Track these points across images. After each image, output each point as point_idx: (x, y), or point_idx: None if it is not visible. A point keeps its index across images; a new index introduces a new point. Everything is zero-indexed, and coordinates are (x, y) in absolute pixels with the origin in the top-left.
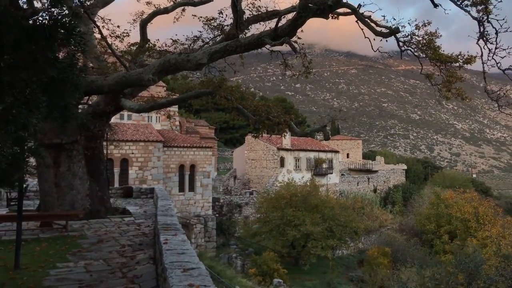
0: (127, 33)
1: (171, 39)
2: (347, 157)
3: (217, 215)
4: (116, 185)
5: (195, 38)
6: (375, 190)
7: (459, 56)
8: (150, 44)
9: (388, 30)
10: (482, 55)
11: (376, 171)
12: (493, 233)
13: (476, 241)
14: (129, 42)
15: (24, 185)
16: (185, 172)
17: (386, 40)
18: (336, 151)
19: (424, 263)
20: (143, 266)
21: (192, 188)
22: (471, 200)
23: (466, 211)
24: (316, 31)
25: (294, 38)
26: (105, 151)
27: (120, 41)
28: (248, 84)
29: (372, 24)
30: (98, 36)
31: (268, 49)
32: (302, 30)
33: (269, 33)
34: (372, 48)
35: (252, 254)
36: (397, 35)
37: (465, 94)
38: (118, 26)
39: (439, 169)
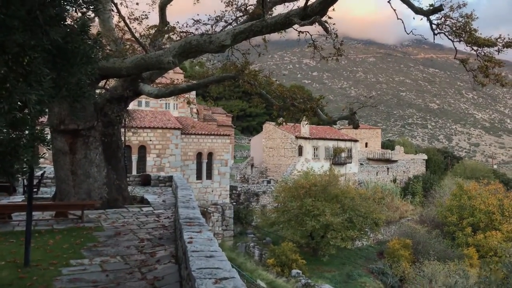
0: (145, 15)
1: (192, 19)
2: (366, 146)
3: (234, 203)
4: (134, 172)
5: (218, 18)
6: (394, 180)
7: (498, 40)
8: (170, 27)
9: (429, 7)
10: None
11: (395, 161)
12: None
13: (501, 234)
14: (147, 25)
15: (41, 172)
16: (203, 160)
17: (423, 18)
18: (355, 140)
19: (446, 256)
20: (164, 266)
21: (209, 176)
22: (495, 192)
23: (490, 203)
24: (335, 19)
25: (325, 18)
26: (123, 138)
27: (138, 23)
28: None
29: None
30: (116, 19)
31: (296, 30)
32: (333, 9)
33: (298, 12)
34: (405, 30)
35: (270, 244)
36: (430, 17)
37: (505, 80)
38: (137, 3)
39: (459, 160)
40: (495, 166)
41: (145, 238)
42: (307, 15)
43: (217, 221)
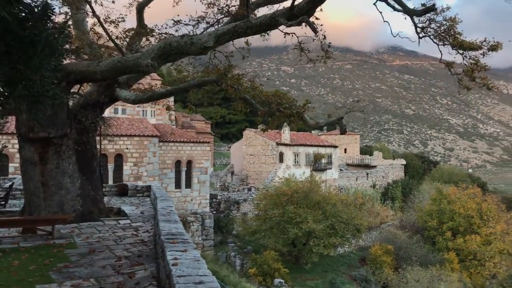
0: (122, 18)
1: (172, 19)
2: (345, 152)
3: (214, 212)
4: (110, 182)
5: (199, 19)
6: (373, 186)
7: (483, 43)
8: (148, 29)
9: (422, 7)
10: None
11: (374, 166)
12: (497, 230)
13: (480, 238)
14: (124, 28)
15: (9, 183)
16: (182, 168)
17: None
18: (335, 146)
19: (428, 261)
20: None
21: (189, 184)
22: (474, 196)
23: (469, 207)
24: (303, 30)
25: (311, 19)
26: (98, 146)
27: (115, 26)
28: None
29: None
30: (91, 22)
31: (282, 31)
32: (321, 9)
33: (284, 12)
34: (392, 33)
35: (252, 252)
36: (415, 20)
37: (491, 84)
38: (113, 1)
39: (435, 164)
40: (470, 170)
41: (122, 255)
42: (294, 16)
43: (196, 230)
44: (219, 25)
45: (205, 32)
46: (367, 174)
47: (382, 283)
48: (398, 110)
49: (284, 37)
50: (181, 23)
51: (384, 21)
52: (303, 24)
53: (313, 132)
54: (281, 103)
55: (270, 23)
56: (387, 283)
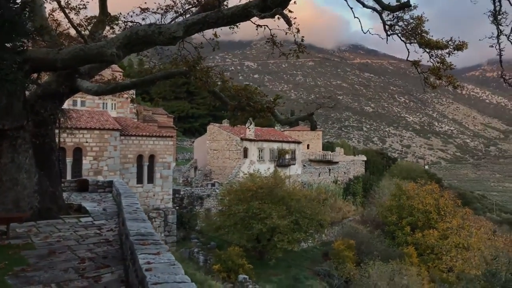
0: (84, 4)
1: (139, 7)
2: (307, 148)
3: (177, 207)
4: (69, 177)
5: (168, 8)
6: (335, 181)
7: (449, 42)
8: (113, 16)
9: (397, 3)
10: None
11: (336, 162)
12: (453, 225)
13: (437, 232)
14: (86, 16)
15: None
16: (144, 162)
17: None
18: (299, 142)
19: (388, 256)
20: None
21: (151, 179)
22: (432, 191)
23: (427, 203)
24: (276, 22)
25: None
26: (57, 140)
27: (75, 13)
28: (217, 69)
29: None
30: (49, 8)
31: (254, 23)
32: (295, 2)
33: (257, 3)
34: (362, 30)
35: (215, 248)
36: (384, 17)
37: (457, 82)
38: None
39: (394, 161)
40: (426, 167)
41: (86, 257)
42: (267, 7)
43: (159, 226)
44: (188, 15)
45: (174, 22)
46: (329, 170)
47: (344, 277)
48: (358, 107)
49: (256, 29)
50: (148, 11)
51: (355, 17)
52: (276, 16)
53: (276, 127)
54: (251, 97)
55: (242, 14)
56: (349, 278)
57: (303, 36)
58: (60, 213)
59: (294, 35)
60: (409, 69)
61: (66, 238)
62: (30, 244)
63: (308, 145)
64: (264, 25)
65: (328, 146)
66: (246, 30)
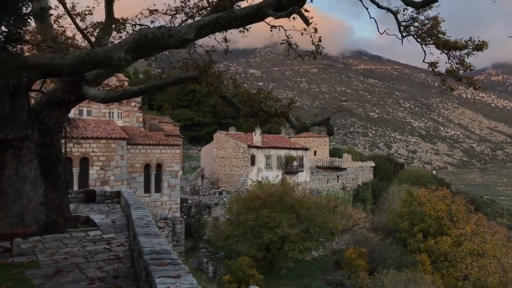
0: (90, 10)
1: (148, 9)
2: (315, 154)
3: (185, 217)
4: (76, 187)
5: (177, 9)
6: (344, 188)
7: (469, 42)
8: (120, 19)
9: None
10: None
11: (345, 169)
12: (467, 231)
13: (450, 239)
14: (92, 22)
15: None
16: (151, 171)
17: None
18: (306, 149)
19: (400, 264)
20: None
21: (158, 189)
22: (443, 197)
23: (439, 209)
24: (291, 23)
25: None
26: (63, 149)
27: (81, 19)
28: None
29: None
30: (55, 14)
31: (269, 24)
32: (312, 0)
33: (272, 2)
34: (378, 30)
35: (224, 258)
36: (399, 18)
37: (478, 84)
38: None
39: (402, 166)
40: (434, 172)
41: (95, 277)
42: (283, 6)
43: (167, 236)
44: (199, 17)
45: (184, 24)
46: (338, 176)
47: (357, 287)
48: (363, 113)
49: (271, 30)
50: (157, 12)
51: (371, 17)
52: (292, 17)
53: (282, 134)
54: (264, 102)
55: (256, 14)
56: (362, 287)
57: (320, 37)
58: (67, 226)
59: (311, 36)
60: (413, 74)
61: (73, 255)
62: (35, 262)
63: (315, 152)
64: (279, 26)
65: (334, 153)
66: (250, 38)
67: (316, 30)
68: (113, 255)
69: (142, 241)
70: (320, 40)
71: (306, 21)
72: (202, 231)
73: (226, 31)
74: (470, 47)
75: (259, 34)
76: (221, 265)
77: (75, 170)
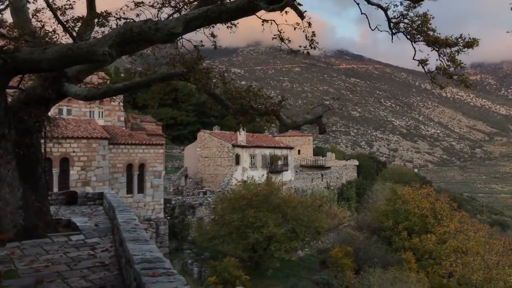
0: (70, 4)
1: (133, 1)
2: (298, 153)
3: (168, 217)
4: (56, 189)
5: (164, 2)
6: (328, 187)
7: (459, 39)
8: (104, 13)
9: None
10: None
11: (329, 167)
12: (451, 229)
13: (435, 237)
14: (72, 16)
15: None
16: (134, 172)
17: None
18: (291, 148)
19: (386, 262)
20: None
21: (141, 189)
22: (427, 195)
23: (423, 207)
24: (262, 29)
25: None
26: (43, 149)
27: (61, 14)
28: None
29: None
30: (32, 8)
31: (260, 18)
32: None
33: None
34: (370, 27)
35: (210, 259)
36: (389, 15)
37: (469, 81)
38: None
39: (384, 165)
40: (415, 170)
41: (80, 287)
42: None
43: (151, 238)
44: (186, 11)
45: (172, 17)
46: (322, 175)
47: (344, 286)
48: (345, 112)
49: (262, 24)
50: (143, 4)
51: (362, 13)
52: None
53: (266, 133)
54: (255, 100)
55: (247, 7)
56: (349, 287)
57: (313, 32)
58: (48, 231)
59: (304, 30)
60: (394, 74)
61: (55, 262)
62: (13, 271)
63: (299, 151)
64: (271, 20)
65: (317, 151)
66: (232, 36)
67: (309, 24)
68: (98, 262)
69: (131, 248)
70: (314, 35)
71: (301, 14)
72: (186, 232)
73: (214, 26)
74: (461, 44)
75: (241, 33)
76: (206, 266)
77: (55, 171)
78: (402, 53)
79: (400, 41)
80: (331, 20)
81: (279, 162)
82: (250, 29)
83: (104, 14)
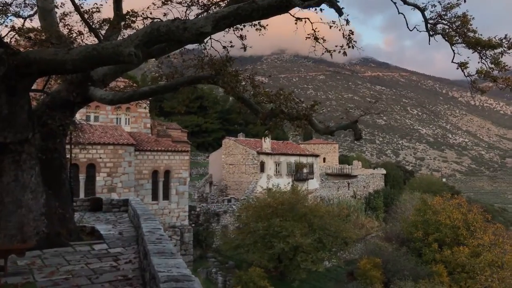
0: (97, 8)
1: None
2: (324, 161)
3: (193, 225)
4: (82, 195)
5: (193, 1)
6: (354, 196)
7: (504, 40)
8: (131, 13)
9: None
10: None
11: (355, 176)
12: (485, 241)
13: (468, 249)
14: (99, 20)
15: None
16: (159, 178)
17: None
18: (316, 155)
19: (416, 274)
20: None
21: (166, 196)
22: (459, 206)
23: (455, 218)
24: (287, 37)
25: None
26: (68, 155)
27: (88, 17)
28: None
29: None
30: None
31: (293, 16)
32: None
33: None
34: (408, 27)
35: (234, 268)
36: (426, 16)
37: None
38: None
39: (411, 174)
40: (444, 179)
41: None
42: None
43: (175, 245)
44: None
45: (200, 16)
46: (348, 184)
47: None
48: (370, 120)
49: (295, 23)
50: (171, 2)
51: (399, 13)
52: (319, 8)
53: (290, 139)
54: (285, 104)
55: (281, 4)
56: None
57: (350, 30)
58: (71, 239)
59: (341, 29)
60: (421, 81)
61: (75, 274)
62: (31, 283)
63: (324, 159)
64: (305, 18)
65: (342, 160)
66: (256, 45)
67: (347, 21)
68: (120, 275)
69: (156, 263)
70: (352, 33)
71: (339, 10)
72: (211, 240)
73: (243, 29)
74: (505, 46)
75: (267, 40)
76: (231, 275)
77: (82, 177)
78: (428, 61)
79: (427, 49)
80: (356, 28)
81: (305, 170)
82: (275, 37)
83: (131, 13)
